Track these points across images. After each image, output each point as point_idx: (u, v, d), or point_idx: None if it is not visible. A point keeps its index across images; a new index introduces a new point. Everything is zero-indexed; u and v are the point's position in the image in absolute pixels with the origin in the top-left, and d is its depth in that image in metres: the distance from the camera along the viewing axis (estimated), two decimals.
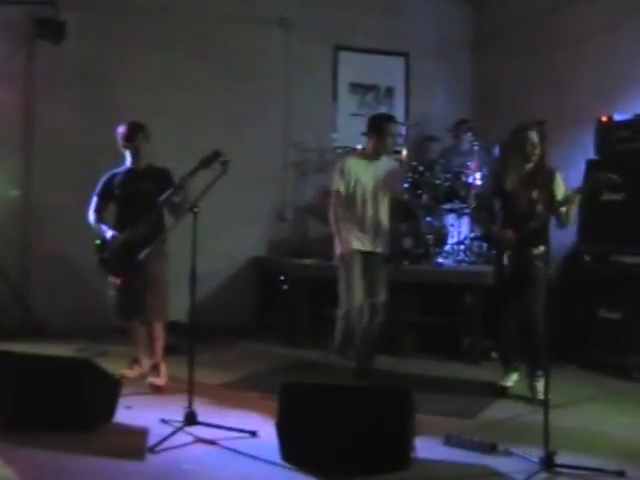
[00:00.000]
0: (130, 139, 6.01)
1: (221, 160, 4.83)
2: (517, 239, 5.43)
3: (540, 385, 5.38)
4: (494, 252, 5.93)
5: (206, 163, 4.88)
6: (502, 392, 5.68)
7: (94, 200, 6.16)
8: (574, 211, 5.39)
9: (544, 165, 5.47)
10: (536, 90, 8.31)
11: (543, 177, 5.40)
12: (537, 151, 5.43)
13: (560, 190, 5.42)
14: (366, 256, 6.13)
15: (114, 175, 6.14)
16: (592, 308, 6.58)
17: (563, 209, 5.27)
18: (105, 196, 6.14)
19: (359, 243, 6.12)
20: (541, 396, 5.23)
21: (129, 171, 6.10)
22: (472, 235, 7.97)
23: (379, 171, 6.20)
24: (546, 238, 5.24)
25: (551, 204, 5.26)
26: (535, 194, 5.39)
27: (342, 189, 6.14)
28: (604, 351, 6.43)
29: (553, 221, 5.23)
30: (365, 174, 6.16)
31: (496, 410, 5.34)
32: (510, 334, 5.70)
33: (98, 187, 6.17)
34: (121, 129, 6.04)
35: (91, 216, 6.12)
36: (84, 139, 7.94)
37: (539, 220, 5.24)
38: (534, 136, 5.42)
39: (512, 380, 5.76)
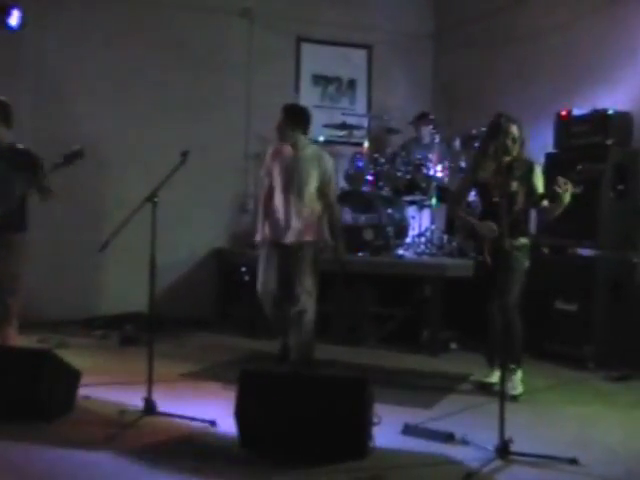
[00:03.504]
0: None
1: (181, 151, 4.83)
2: (497, 230, 5.08)
3: (514, 379, 5.41)
4: (475, 246, 5.64)
5: (68, 160, 4.84)
6: (489, 389, 5.48)
7: None
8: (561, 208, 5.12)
9: (522, 156, 5.42)
10: (496, 84, 8.39)
11: (522, 168, 5.33)
12: (517, 146, 5.35)
13: (540, 183, 5.36)
14: None
15: None
16: (549, 299, 6.68)
17: (545, 203, 5.20)
18: None
19: None
20: (513, 391, 5.32)
21: None
22: (433, 227, 8.06)
23: None
24: (526, 230, 5.42)
25: (531, 196, 5.25)
26: (515, 185, 5.25)
27: None
28: (560, 342, 6.54)
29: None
30: None
31: (454, 400, 5.39)
32: (496, 330, 5.49)
33: None
34: None
35: None
36: (37, 131, 7.82)
37: (519, 212, 5.22)
38: (515, 130, 5.31)
39: (497, 377, 5.24)
